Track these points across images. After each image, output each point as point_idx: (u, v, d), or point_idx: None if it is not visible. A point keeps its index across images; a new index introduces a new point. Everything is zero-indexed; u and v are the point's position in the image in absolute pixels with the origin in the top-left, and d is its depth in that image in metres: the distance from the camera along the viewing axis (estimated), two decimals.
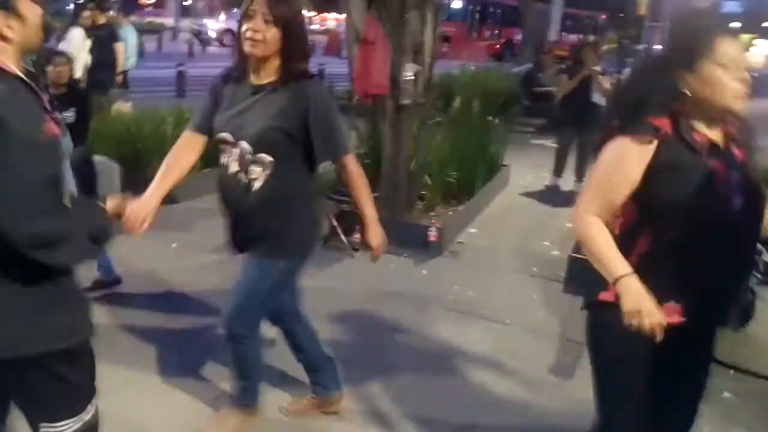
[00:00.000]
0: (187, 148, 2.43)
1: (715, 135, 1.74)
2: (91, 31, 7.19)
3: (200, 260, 4.40)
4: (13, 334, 1.54)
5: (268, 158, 2.23)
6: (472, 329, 3.74)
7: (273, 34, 2.13)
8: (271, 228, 2.33)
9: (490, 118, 8.40)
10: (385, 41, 4.60)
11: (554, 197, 6.65)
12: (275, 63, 2.21)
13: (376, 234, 2.47)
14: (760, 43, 38.27)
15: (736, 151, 1.76)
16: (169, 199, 5.34)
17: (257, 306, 2.45)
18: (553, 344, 3.65)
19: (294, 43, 2.18)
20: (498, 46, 29.14)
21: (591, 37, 16.30)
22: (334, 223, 4.75)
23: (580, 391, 3.19)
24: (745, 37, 37.96)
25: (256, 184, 2.25)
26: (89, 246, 1.60)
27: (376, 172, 5.35)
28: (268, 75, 2.22)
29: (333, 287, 4.13)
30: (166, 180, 2.33)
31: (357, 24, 4.97)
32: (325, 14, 48.17)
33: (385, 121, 5.03)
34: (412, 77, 4.78)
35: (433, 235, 4.78)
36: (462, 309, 4.01)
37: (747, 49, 32.70)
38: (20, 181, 1.41)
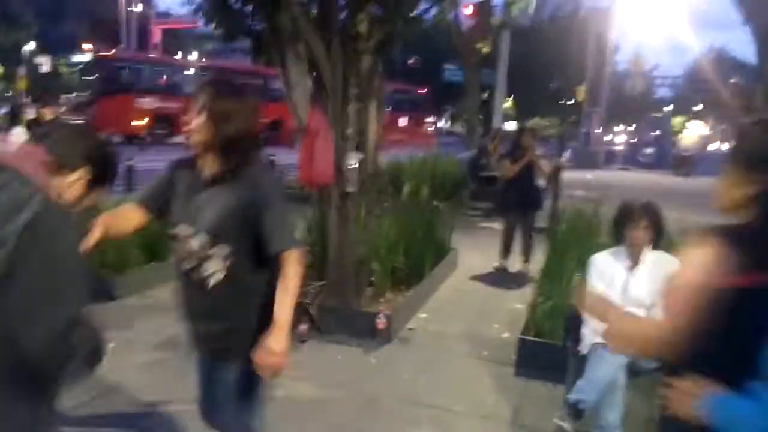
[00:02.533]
0: (125, 216, 2.34)
1: None
2: (37, 127, 7.13)
3: (139, 359, 4.20)
4: None
5: (226, 250, 2.15)
6: (422, 419, 3.62)
7: (204, 124, 2.11)
8: (237, 325, 2.24)
9: (438, 202, 8.56)
10: (328, 131, 4.68)
11: (502, 279, 6.71)
12: (211, 157, 2.17)
13: (277, 342, 2.10)
14: (691, 125, 40.62)
15: None
16: (108, 296, 5.21)
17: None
18: (506, 430, 3.55)
19: (228, 135, 2.11)
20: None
21: (530, 122, 17.03)
22: None
23: None
24: (678, 119, 40.26)
25: (214, 279, 2.16)
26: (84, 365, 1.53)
27: (324, 260, 5.32)
28: (215, 166, 2.17)
29: (280, 383, 3.95)
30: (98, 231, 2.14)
31: (300, 114, 5.07)
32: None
33: (331, 209, 5.04)
34: (356, 165, 4.84)
35: (381, 322, 4.70)
36: (412, 399, 3.89)
37: (681, 131, 34.60)
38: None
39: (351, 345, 4.63)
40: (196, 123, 2.12)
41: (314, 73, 4.94)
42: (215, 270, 2.15)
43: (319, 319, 4.78)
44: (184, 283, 2.24)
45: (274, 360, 2.10)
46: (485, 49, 18.11)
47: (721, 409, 1.41)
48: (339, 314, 4.88)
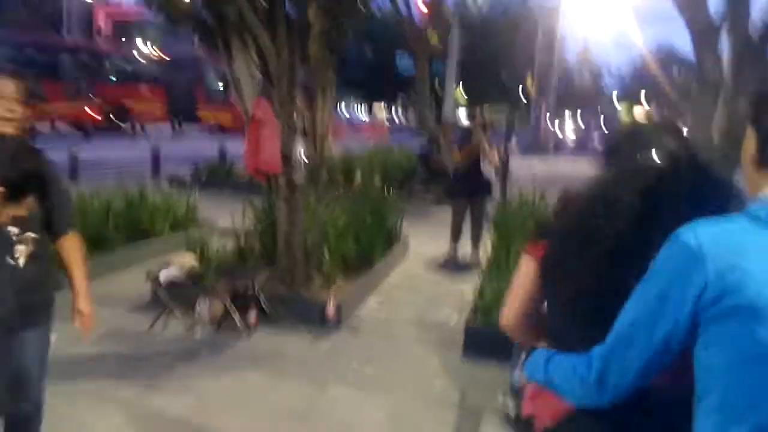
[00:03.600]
0: None
1: None
2: None
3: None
4: None
5: (32, 235, 2.31)
6: (372, 405, 3.66)
7: (24, 112, 2.27)
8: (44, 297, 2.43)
9: (390, 191, 8.62)
10: (274, 120, 4.65)
11: (452, 266, 6.80)
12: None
13: (89, 305, 2.50)
14: (637, 110, 41.84)
15: None
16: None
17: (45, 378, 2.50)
18: (452, 413, 3.62)
19: (33, 123, 2.39)
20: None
21: (479, 113, 17.21)
22: (228, 303, 4.60)
23: None
24: (624, 105, 41.41)
25: (21, 262, 2.29)
26: None
27: (274, 249, 5.31)
28: None
29: (230, 372, 3.95)
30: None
31: (247, 103, 5.03)
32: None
33: (280, 198, 5.02)
34: (303, 155, 4.83)
35: (331, 309, 4.72)
36: (361, 385, 3.93)
37: (629, 116, 35.48)
38: None
39: (300, 332, 4.64)
40: (13, 109, 2.23)
41: (260, 62, 4.90)
42: (23, 252, 2.31)
43: (268, 308, 4.77)
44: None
45: (90, 320, 2.49)
46: (434, 40, 18.19)
47: (534, 366, 1.45)
48: (288, 302, 4.87)
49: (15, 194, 2.22)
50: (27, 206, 2.25)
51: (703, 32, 11.13)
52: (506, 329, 1.68)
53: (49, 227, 2.39)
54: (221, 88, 22.65)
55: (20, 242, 2.27)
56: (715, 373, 1.11)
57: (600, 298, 1.38)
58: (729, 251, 1.08)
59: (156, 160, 12.87)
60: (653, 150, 1.48)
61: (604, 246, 1.38)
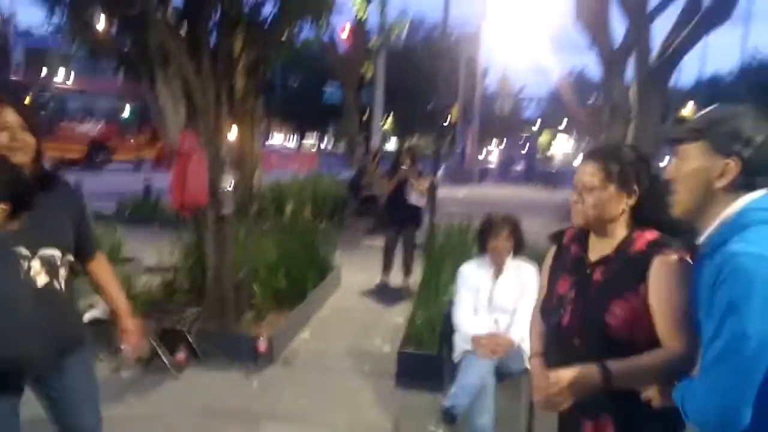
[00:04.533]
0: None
1: None
2: None
3: None
4: None
5: (69, 258, 2.26)
6: None
7: (31, 139, 2.16)
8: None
9: (320, 222, 8.61)
10: (200, 152, 4.60)
11: (384, 294, 6.85)
12: (30, 169, 2.19)
13: (134, 324, 2.47)
14: (557, 142, 43.55)
15: None
16: None
17: None
18: None
19: (42, 147, 2.23)
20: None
21: (407, 143, 17.56)
22: (155, 342, 4.46)
23: None
24: (545, 136, 43.03)
25: (63, 286, 2.23)
26: None
27: (203, 284, 5.20)
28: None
29: (157, 413, 3.82)
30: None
31: (172, 136, 4.96)
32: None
33: (208, 232, 4.94)
34: (231, 187, 4.79)
35: (262, 345, 4.65)
36: (295, 418, 3.88)
37: (549, 147, 36.88)
38: None
39: (232, 370, 4.55)
40: (21, 138, 2.13)
41: (185, 94, 4.85)
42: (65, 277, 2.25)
43: (198, 345, 4.65)
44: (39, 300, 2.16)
45: (137, 338, 2.47)
46: (369, 73, 18.48)
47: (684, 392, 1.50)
48: (219, 339, 4.77)
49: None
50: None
51: (611, 61, 11.82)
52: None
53: (78, 251, 2.33)
54: (142, 121, 22.20)
55: (62, 266, 2.22)
56: None
57: None
58: None
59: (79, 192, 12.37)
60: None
61: None
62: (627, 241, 1.83)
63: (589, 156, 1.89)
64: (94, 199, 13.06)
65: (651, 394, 1.68)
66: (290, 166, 22.15)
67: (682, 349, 1.65)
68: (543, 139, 36.99)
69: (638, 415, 1.76)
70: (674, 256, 1.72)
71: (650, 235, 1.81)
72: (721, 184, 1.42)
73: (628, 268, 1.79)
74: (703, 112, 1.51)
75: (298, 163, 24.59)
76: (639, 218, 1.85)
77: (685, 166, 1.48)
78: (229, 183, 4.82)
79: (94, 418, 2.43)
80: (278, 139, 51.64)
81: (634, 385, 1.72)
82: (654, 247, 1.77)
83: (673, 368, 1.62)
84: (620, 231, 1.86)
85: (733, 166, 1.40)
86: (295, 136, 47.40)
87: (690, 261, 1.65)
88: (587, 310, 1.83)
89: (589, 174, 1.84)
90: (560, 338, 1.92)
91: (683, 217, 1.52)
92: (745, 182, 1.41)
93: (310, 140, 52.17)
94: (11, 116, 2.12)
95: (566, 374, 1.68)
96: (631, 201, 1.83)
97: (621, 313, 1.76)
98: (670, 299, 1.70)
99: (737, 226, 1.38)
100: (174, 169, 4.65)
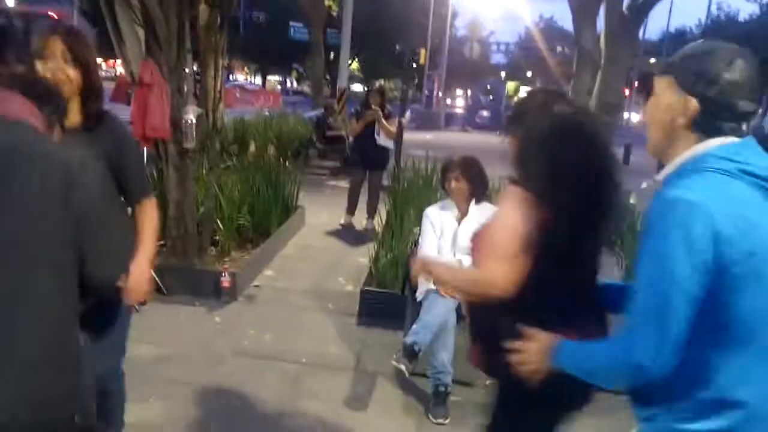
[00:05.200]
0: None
1: None
2: None
3: None
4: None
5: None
6: (268, 373, 3.68)
7: (75, 73, 2.08)
8: None
9: (285, 161, 8.52)
10: (162, 84, 4.46)
11: (348, 235, 6.88)
12: (76, 104, 2.12)
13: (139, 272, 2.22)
14: (524, 89, 43.52)
15: None
16: None
17: None
18: (348, 376, 3.72)
19: (94, 83, 2.14)
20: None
21: (377, 83, 17.35)
22: None
23: (375, 420, 3.30)
24: (512, 84, 43.02)
25: None
26: None
27: (164, 219, 5.13)
28: (74, 116, 2.11)
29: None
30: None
31: (134, 67, 4.78)
32: (114, 60, 45.75)
33: (169, 166, 4.85)
34: (194, 121, 4.68)
35: (226, 280, 4.66)
36: (258, 354, 3.93)
37: (514, 96, 36.99)
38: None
39: (195, 305, 4.56)
40: (67, 72, 2.05)
41: (147, 24, 4.66)
42: None
43: (161, 280, 4.63)
44: None
45: (136, 298, 2.27)
46: (334, 10, 18.03)
47: (569, 353, 1.51)
48: (181, 274, 4.76)
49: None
50: None
51: (582, 8, 11.79)
52: (505, 292, 1.66)
53: (123, 193, 2.25)
54: None
55: None
56: (761, 312, 1.26)
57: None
58: (726, 202, 1.25)
59: None
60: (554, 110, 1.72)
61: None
62: None
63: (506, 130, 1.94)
64: None
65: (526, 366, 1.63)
66: (254, 103, 21.72)
67: (488, 274, 1.68)
68: (510, 86, 36.92)
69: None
70: (514, 188, 1.73)
71: None
72: (682, 121, 1.36)
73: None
74: (683, 48, 1.44)
75: (262, 101, 24.13)
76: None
77: (653, 102, 1.43)
78: (192, 116, 4.70)
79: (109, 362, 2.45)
80: (241, 76, 50.39)
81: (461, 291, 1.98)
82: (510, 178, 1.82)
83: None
84: None
85: (694, 104, 1.33)
86: (259, 73, 46.27)
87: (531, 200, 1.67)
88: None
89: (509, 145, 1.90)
90: None
91: (654, 156, 1.48)
92: (706, 124, 1.34)
93: (274, 78, 51.04)
94: (56, 46, 2.04)
95: None
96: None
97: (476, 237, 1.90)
98: (494, 224, 1.76)
99: (688, 170, 1.33)
100: (135, 100, 4.51)
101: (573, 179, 1.65)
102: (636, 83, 28.93)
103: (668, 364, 1.28)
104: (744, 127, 1.36)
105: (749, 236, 1.24)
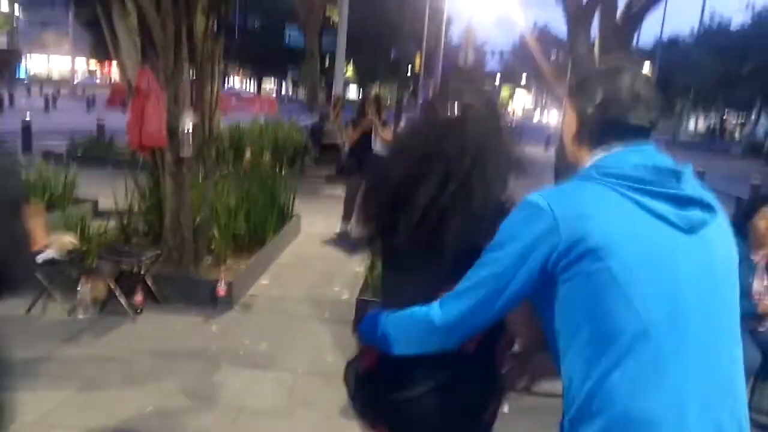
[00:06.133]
0: None
1: None
2: None
3: None
4: None
5: None
6: (264, 382, 3.67)
7: None
8: None
9: (280, 168, 8.53)
10: (158, 92, 4.47)
11: (344, 243, 6.87)
12: None
13: None
14: (517, 96, 43.69)
15: None
16: None
17: None
18: (344, 387, 3.70)
19: None
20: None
21: (373, 90, 17.38)
22: (112, 285, 4.41)
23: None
24: (506, 90, 43.12)
25: None
26: None
27: (161, 228, 5.12)
28: None
29: (115, 355, 3.80)
30: None
31: (130, 74, 4.78)
32: (110, 66, 45.75)
33: (166, 174, 4.84)
34: (191, 129, 4.68)
35: (221, 289, 4.65)
36: (254, 363, 3.92)
37: (509, 101, 36.99)
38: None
39: (190, 313, 4.54)
40: None
41: (143, 31, 4.66)
42: None
43: (156, 289, 4.62)
44: None
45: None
46: (335, 17, 18.03)
47: (370, 325, 1.57)
48: (177, 283, 4.75)
49: None
50: None
51: (576, 16, 11.87)
52: None
53: None
54: None
55: None
56: (580, 311, 1.25)
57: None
58: (573, 206, 1.27)
59: (27, 134, 11.92)
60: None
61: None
62: None
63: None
64: (45, 136, 12.67)
65: None
66: (250, 110, 21.73)
67: None
68: (504, 92, 37.09)
69: None
70: None
71: None
72: (573, 136, 1.45)
73: None
74: None
75: (258, 107, 24.14)
76: None
77: (563, 119, 1.53)
78: (188, 125, 4.70)
79: None
80: (236, 82, 50.39)
81: None
82: None
83: None
84: None
85: (575, 120, 1.43)
86: (254, 80, 46.30)
87: None
88: None
89: None
90: None
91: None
92: (588, 138, 1.41)
93: (269, 85, 51.08)
94: None
95: None
96: None
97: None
98: None
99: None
100: (131, 108, 4.51)
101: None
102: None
103: (455, 341, 1.39)
104: (636, 138, 1.37)
105: (595, 238, 1.23)
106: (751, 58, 30.18)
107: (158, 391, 3.47)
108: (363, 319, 1.62)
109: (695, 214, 1.28)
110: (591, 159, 1.39)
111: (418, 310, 1.43)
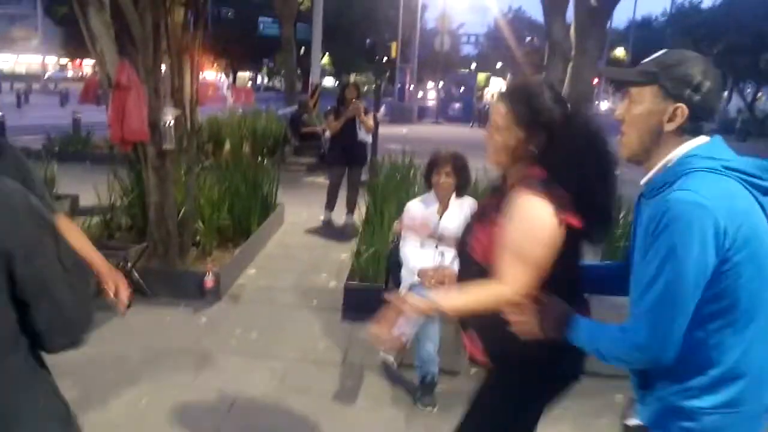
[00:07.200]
0: None
1: None
2: None
3: None
4: None
5: None
6: (257, 371, 3.72)
7: None
8: None
9: (261, 159, 8.52)
10: (139, 86, 4.45)
11: (329, 231, 6.92)
12: None
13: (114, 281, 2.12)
14: (494, 80, 43.74)
15: None
16: None
17: None
18: (336, 371, 3.77)
19: None
20: None
21: (352, 78, 17.37)
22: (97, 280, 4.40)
23: (364, 412, 3.36)
24: (482, 75, 43.19)
25: None
26: None
27: (144, 222, 5.12)
28: None
29: (106, 352, 3.81)
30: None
31: (109, 68, 4.75)
32: (81, 60, 44.97)
33: (148, 168, 4.84)
34: (172, 122, 4.67)
35: (209, 281, 4.67)
36: (245, 352, 3.97)
37: (485, 86, 37.05)
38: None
39: (179, 306, 4.57)
40: None
41: (121, 25, 4.63)
42: None
43: (143, 283, 4.63)
44: None
45: (126, 292, 2.15)
46: (305, 4, 17.93)
47: (584, 330, 1.58)
48: (164, 276, 4.76)
49: None
50: None
51: (552, 1, 11.93)
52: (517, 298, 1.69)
53: None
54: None
55: None
56: (758, 293, 1.39)
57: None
58: (724, 198, 1.36)
59: (1, 131, 11.74)
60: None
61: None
62: (521, 177, 1.83)
63: (503, 95, 1.87)
64: (19, 132, 12.48)
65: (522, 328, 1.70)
66: (227, 101, 21.53)
67: (509, 287, 1.68)
68: (480, 78, 37.15)
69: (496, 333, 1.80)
70: (532, 194, 1.71)
71: (536, 171, 1.78)
72: (670, 128, 1.46)
73: (505, 198, 1.80)
74: (654, 56, 1.52)
75: (235, 98, 23.93)
76: (545, 160, 1.79)
77: (635, 109, 1.50)
78: (170, 118, 4.69)
79: None
80: (211, 73, 49.87)
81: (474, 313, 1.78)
82: (522, 182, 1.77)
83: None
84: (524, 168, 1.82)
85: (683, 110, 1.44)
86: (230, 70, 45.84)
87: (554, 204, 1.69)
88: (465, 233, 1.98)
89: (500, 114, 1.82)
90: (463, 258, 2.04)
91: (630, 159, 1.55)
92: (692, 127, 1.45)
93: (244, 75, 50.59)
94: None
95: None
96: (538, 146, 1.79)
97: (482, 238, 1.83)
98: (510, 234, 1.71)
99: (680, 171, 1.42)
100: (112, 103, 4.49)
101: (593, 175, 1.74)
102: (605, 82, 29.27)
103: (673, 353, 1.41)
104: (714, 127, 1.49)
105: (744, 226, 1.36)
106: (722, 37, 30.59)
107: (152, 384, 3.50)
108: (574, 323, 1.60)
109: None
110: (684, 149, 1.46)
111: (625, 344, 1.47)
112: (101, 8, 4.68)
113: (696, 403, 1.44)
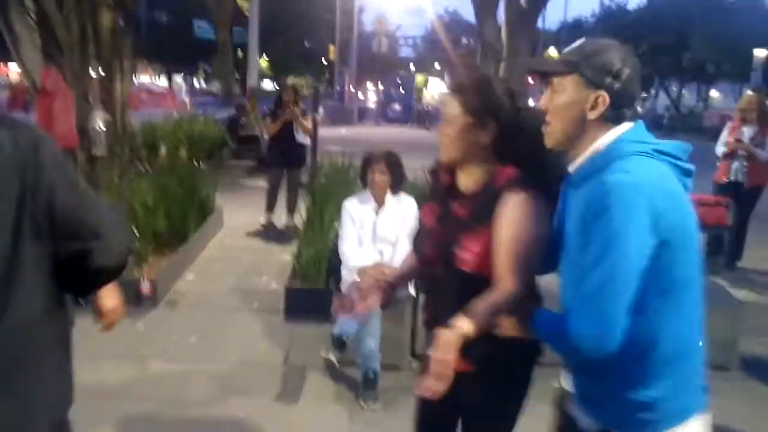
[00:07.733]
0: None
1: None
2: None
3: None
4: None
5: None
6: (197, 376, 3.68)
7: None
8: None
9: (198, 163, 8.40)
10: (66, 91, 4.34)
11: (269, 234, 6.89)
12: None
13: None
14: (431, 83, 44.23)
15: None
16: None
17: None
18: (278, 372, 3.77)
19: None
20: None
21: (290, 80, 17.29)
22: None
23: (307, 411, 3.38)
24: (421, 77, 43.63)
25: None
26: None
27: None
28: None
29: None
30: None
31: (33, 74, 4.62)
32: (6, 66, 43.06)
33: (78, 174, 4.71)
34: (102, 127, 4.57)
35: (145, 287, 4.59)
36: (184, 358, 3.92)
37: (422, 89, 37.49)
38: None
39: None
40: None
41: (45, 29, 4.51)
42: None
43: None
44: None
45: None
46: (246, 9, 17.71)
47: (543, 323, 1.56)
48: None
49: None
50: None
51: (483, 1, 12.20)
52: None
53: None
54: None
55: None
56: (689, 274, 1.44)
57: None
58: (657, 179, 1.40)
59: None
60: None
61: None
62: (489, 176, 1.81)
63: (453, 89, 1.88)
64: None
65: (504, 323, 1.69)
66: (161, 106, 21.09)
67: (513, 288, 1.67)
68: (419, 79, 37.56)
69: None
70: (523, 194, 1.72)
71: (509, 171, 1.79)
72: (593, 116, 1.47)
73: (487, 203, 1.77)
74: (574, 45, 1.54)
75: (170, 103, 23.45)
76: (501, 152, 1.81)
77: (558, 99, 1.51)
78: (99, 123, 4.59)
79: None
80: (145, 78, 48.64)
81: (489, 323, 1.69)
82: (508, 184, 1.76)
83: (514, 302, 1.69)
84: (482, 166, 1.82)
85: (604, 98, 1.45)
86: (164, 75, 44.82)
87: (539, 200, 1.72)
88: (442, 242, 1.85)
89: (450, 105, 1.82)
90: (425, 269, 1.98)
91: (555, 148, 1.56)
92: (614, 114, 1.46)
93: (179, 79, 49.55)
94: None
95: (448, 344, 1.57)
96: (490, 135, 1.78)
97: (472, 247, 1.76)
98: (511, 236, 1.70)
99: (611, 156, 1.43)
100: (38, 109, 4.37)
101: (554, 168, 1.70)
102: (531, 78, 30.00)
103: (620, 339, 1.36)
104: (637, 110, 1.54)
105: (676, 207, 1.40)
106: (647, 36, 31.89)
107: (85, 393, 3.40)
108: (536, 317, 1.58)
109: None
110: (611, 136, 1.47)
111: (568, 335, 1.42)
112: (24, 11, 4.55)
113: (650, 393, 1.43)
